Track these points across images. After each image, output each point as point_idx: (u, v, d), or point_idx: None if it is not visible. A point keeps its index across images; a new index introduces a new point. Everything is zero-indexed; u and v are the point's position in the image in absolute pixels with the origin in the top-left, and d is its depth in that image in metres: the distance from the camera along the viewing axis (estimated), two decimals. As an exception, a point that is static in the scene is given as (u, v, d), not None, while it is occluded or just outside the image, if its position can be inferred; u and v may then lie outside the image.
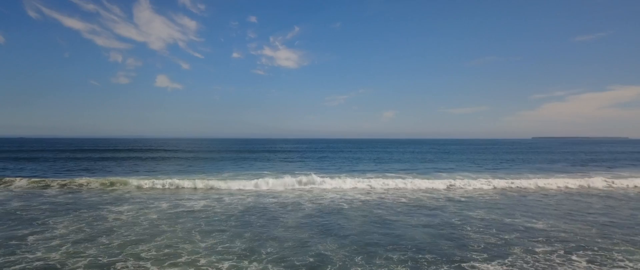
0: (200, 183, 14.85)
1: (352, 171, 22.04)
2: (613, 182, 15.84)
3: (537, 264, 5.92)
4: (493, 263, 5.94)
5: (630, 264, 5.88)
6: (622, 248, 6.73)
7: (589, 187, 15.33)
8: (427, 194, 13.28)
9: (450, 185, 15.20)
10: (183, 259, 6.08)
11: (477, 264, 5.88)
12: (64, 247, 6.69)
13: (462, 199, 12.25)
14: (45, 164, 26.56)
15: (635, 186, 15.45)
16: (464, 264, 5.88)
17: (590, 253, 6.43)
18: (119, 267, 5.70)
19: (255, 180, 15.03)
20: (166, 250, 6.54)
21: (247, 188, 14.44)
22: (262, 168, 23.57)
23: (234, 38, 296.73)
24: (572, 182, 15.70)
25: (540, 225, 8.58)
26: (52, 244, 6.93)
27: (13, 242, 7.07)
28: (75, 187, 14.47)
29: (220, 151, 47.71)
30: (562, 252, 6.52)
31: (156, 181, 15.25)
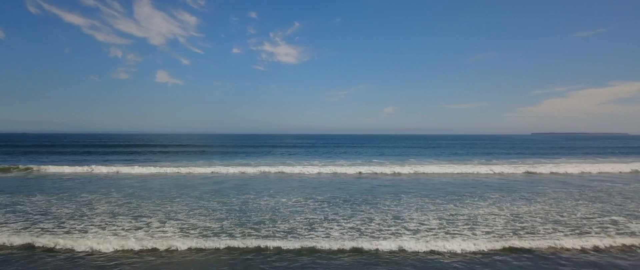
0: (253, 169, 22.10)
1: (348, 159, 29.31)
2: (511, 169, 23.03)
3: (429, 196, 13.19)
4: (421, 195, 13.23)
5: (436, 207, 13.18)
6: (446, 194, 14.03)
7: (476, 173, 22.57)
8: (395, 172, 20.59)
9: (412, 171, 22.46)
10: (274, 194, 13.37)
11: (411, 199, 13.17)
12: (223, 188, 13.97)
13: (416, 176, 19.56)
14: (114, 156, 33.85)
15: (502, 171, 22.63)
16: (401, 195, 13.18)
17: (448, 196, 13.74)
18: (260, 202, 12.96)
19: (287, 167, 22.23)
20: (260, 187, 13.84)
21: (288, 170, 21.69)
22: (282, 157, 30.83)
23: (234, 34, 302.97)
24: (479, 168, 22.93)
25: (438, 185, 15.89)
26: (212, 186, 14.22)
27: (175, 193, 14.37)
28: (184, 172, 21.76)
29: (237, 146, 54.91)
30: (425, 192, 13.83)
31: (244, 167, 22.51)
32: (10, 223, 8.55)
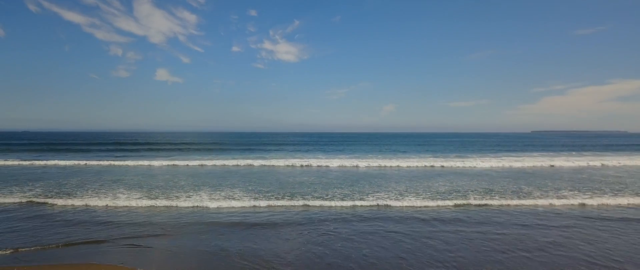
0: (295, 161, 27.17)
1: (347, 154, 34.39)
2: (467, 162, 28.07)
3: (405, 177, 18.25)
4: (400, 178, 18.29)
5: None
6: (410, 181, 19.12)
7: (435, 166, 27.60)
8: (383, 166, 25.66)
9: (398, 164, 27.48)
10: (296, 175, 18.43)
11: (393, 180, 18.23)
12: (255, 173, 19.02)
13: (401, 168, 24.65)
14: (144, 152, 38.90)
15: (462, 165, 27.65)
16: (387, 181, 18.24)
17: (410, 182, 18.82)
18: (288, 179, 18.02)
19: (305, 160, 27.31)
20: (283, 172, 18.90)
21: (299, 163, 26.70)
22: (290, 152, 35.89)
23: (234, 32, 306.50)
24: (446, 163, 27.98)
25: (415, 172, 20.96)
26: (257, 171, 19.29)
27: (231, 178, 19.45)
28: (218, 164, 26.76)
29: (247, 144, 59.93)
30: (391, 180, 18.89)
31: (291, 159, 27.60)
32: (139, 190, 13.59)
